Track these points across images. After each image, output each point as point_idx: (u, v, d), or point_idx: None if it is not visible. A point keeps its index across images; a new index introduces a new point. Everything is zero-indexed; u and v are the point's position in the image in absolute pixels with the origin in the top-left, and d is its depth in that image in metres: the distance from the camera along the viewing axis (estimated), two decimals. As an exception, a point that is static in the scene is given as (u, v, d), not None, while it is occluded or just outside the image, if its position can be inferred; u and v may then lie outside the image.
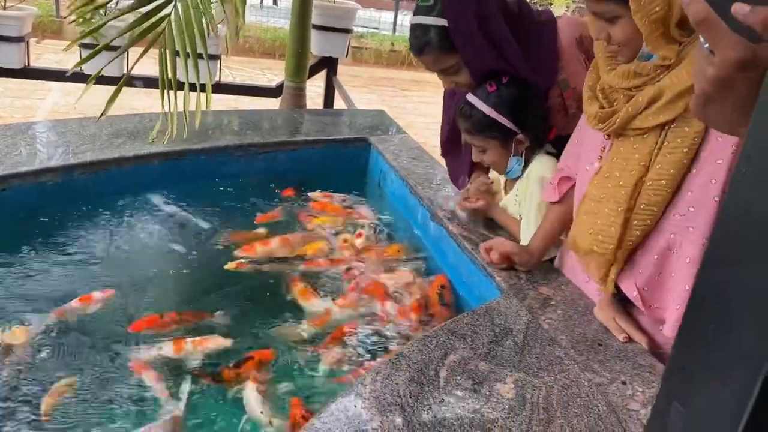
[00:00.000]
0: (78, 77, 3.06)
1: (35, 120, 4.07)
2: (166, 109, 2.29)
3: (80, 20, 2.48)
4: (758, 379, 0.42)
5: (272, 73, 7.28)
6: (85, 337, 1.49)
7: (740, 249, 0.47)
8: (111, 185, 2.10)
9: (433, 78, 1.87)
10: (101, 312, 1.57)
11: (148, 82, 3.59)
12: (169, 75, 2.29)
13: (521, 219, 1.76)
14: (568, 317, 1.42)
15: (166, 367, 1.41)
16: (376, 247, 2.00)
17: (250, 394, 1.33)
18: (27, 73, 4.02)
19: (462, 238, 1.78)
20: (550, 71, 1.72)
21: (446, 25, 1.64)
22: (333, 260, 1.91)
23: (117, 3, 2.72)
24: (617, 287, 1.31)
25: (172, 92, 2.29)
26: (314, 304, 1.69)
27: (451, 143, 2.03)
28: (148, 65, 2.41)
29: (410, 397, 1.10)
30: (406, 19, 10.06)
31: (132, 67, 2.28)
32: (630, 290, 1.29)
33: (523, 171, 1.77)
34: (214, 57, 3.92)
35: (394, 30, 10.05)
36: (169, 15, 2.32)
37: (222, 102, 4.92)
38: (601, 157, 1.35)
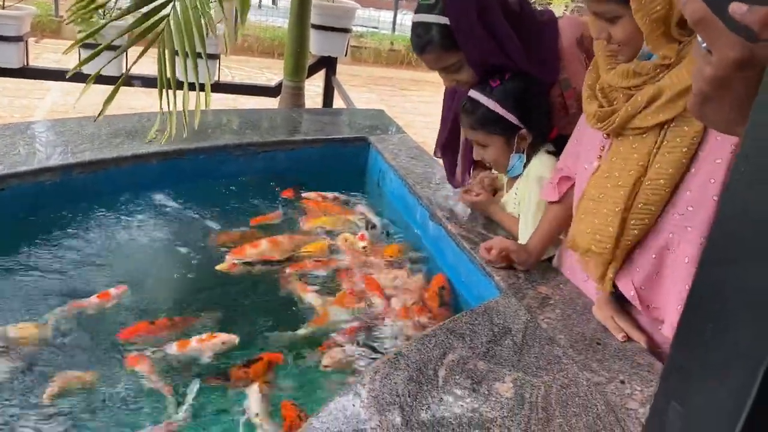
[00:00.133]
0: (77, 77, 3.06)
1: (34, 119, 4.06)
2: (165, 109, 2.29)
3: (78, 20, 2.47)
4: (756, 378, 0.43)
5: (271, 72, 7.27)
6: (87, 335, 1.49)
7: (738, 248, 0.47)
8: (110, 185, 2.10)
9: (432, 77, 1.87)
10: (98, 313, 1.57)
11: (147, 82, 3.58)
12: (168, 74, 2.29)
13: (520, 218, 1.76)
14: (566, 316, 1.42)
15: (171, 366, 1.41)
16: (375, 247, 2.00)
17: (253, 396, 1.33)
18: (26, 72, 4.01)
19: (461, 237, 1.78)
20: (551, 69, 1.72)
21: (448, 23, 1.65)
22: (322, 261, 1.90)
23: (116, 2, 2.71)
24: (615, 286, 1.32)
25: (171, 92, 2.29)
26: (313, 300, 1.69)
27: (450, 143, 2.03)
28: (146, 64, 2.41)
29: (409, 397, 1.10)
30: (405, 18, 10.06)
31: (130, 67, 2.28)
32: (627, 289, 1.29)
33: (523, 169, 1.77)
34: (213, 56, 3.91)
35: (394, 29, 10.04)
36: (168, 15, 2.32)
37: (221, 101, 4.92)
38: (600, 156, 1.35)
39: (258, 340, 1.54)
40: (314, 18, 3.91)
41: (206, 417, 1.30)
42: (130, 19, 2.35)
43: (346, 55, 4.53)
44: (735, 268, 0.47)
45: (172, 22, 2.31)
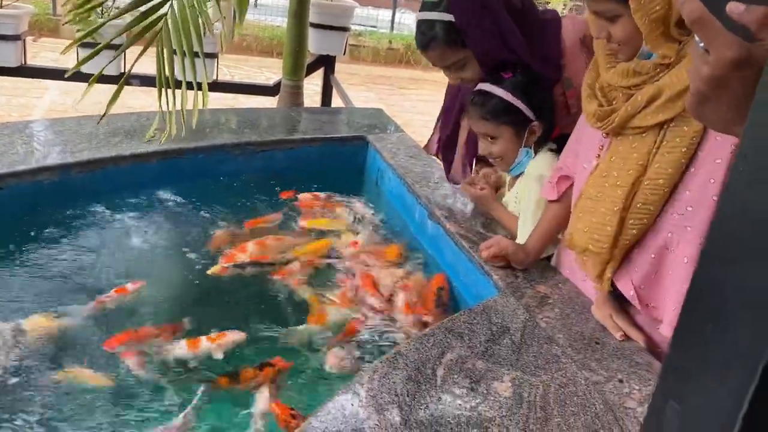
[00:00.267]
0: (76, 76, 3.06)
1: (32, 118, 4.06)
2: (164, 108, 2.29)
3: (76, 19, 2.47)
4: (755, 378, 0.42)
5: (270, 71, 7.28)
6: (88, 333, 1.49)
7: (737, 248, 0.47)
8: (108, 184, 2.10)
9: (431, 76, 1.88)
10: (99, 314, 1.57)
11: (145, 81, 3.57)
12: (167, 73, 2.29)
13: (519, 216, 1.76)
14: (565, 315, 1.42)
15: (179, 367, 1.41)
16: (375, 247, 2.00)
17: (260, 400, 1.33)
18: (23, 71, 4.01)
19: (459, 236, 1.78)
20: (554, 66, 1.73)
21: (452, 20, 1.66)
22: (322, 261, 1.89)
23: (114, 1, 2.71)
24: (614, 285, 1.32)
25: (169, 91, 2.28)
26: (312, 301, 1.69)
27: (452, 141, 2.04)
28: (145, 63, 2.40)
29: (407, 396, 1.11)
30: (404, 17, 10.07)
31: (132, 67, 2.27)
32: (626, 289, 1.29)
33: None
34: (212, 55, 3.91)
35: (392, 28, 10.04)
36: (165, 14, 2.31)
37: (219, 100, 4.91)
38: (599, 155, 1.35)
39: (259, 342, 1.54)
40: (313, 17, 3.91)
41: (213, 420, 1.29)
42: (128, 18, 2.34)
43: (344, 54, 4.53)
44: (734, 268, 0.47)
45: (169, 21, 2.31)
